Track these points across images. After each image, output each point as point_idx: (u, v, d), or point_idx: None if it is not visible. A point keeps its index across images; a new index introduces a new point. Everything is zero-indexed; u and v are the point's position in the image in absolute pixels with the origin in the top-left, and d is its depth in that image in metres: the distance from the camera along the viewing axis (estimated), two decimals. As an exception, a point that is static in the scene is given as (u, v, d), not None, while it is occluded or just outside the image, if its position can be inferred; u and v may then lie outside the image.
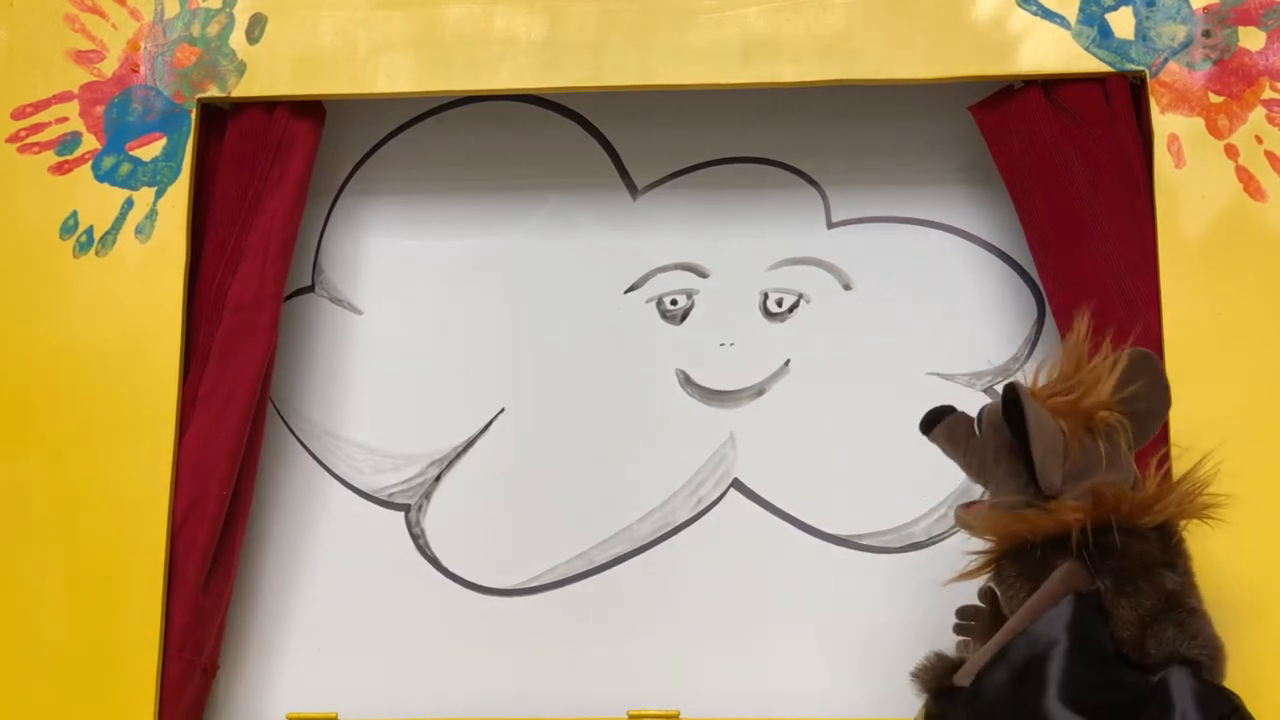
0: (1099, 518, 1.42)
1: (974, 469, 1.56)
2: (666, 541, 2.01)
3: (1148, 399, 1.54)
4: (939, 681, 1.48)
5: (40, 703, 1.81)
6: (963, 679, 1.44)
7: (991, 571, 1.51)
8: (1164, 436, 1.71)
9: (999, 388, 1.93)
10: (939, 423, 1.59)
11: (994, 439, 1.53)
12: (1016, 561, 1.46)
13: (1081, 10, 1.86)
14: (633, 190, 2.12)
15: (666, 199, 2.11)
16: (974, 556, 1.53)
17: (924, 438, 1.61)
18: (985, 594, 1.60)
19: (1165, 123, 1.82)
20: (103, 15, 1.99)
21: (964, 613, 1.61)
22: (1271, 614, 1.67)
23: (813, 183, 2.09)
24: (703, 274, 2.08)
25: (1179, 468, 1.57)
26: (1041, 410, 1.48)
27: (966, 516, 1.53)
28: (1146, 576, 1.41)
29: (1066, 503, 1.45)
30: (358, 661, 1.99)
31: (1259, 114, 1.81)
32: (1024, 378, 1.57)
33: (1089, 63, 1.85)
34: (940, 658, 1.51)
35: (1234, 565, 1.64)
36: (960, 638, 1.60)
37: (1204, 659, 1.39)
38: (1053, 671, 1.38)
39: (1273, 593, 1.68)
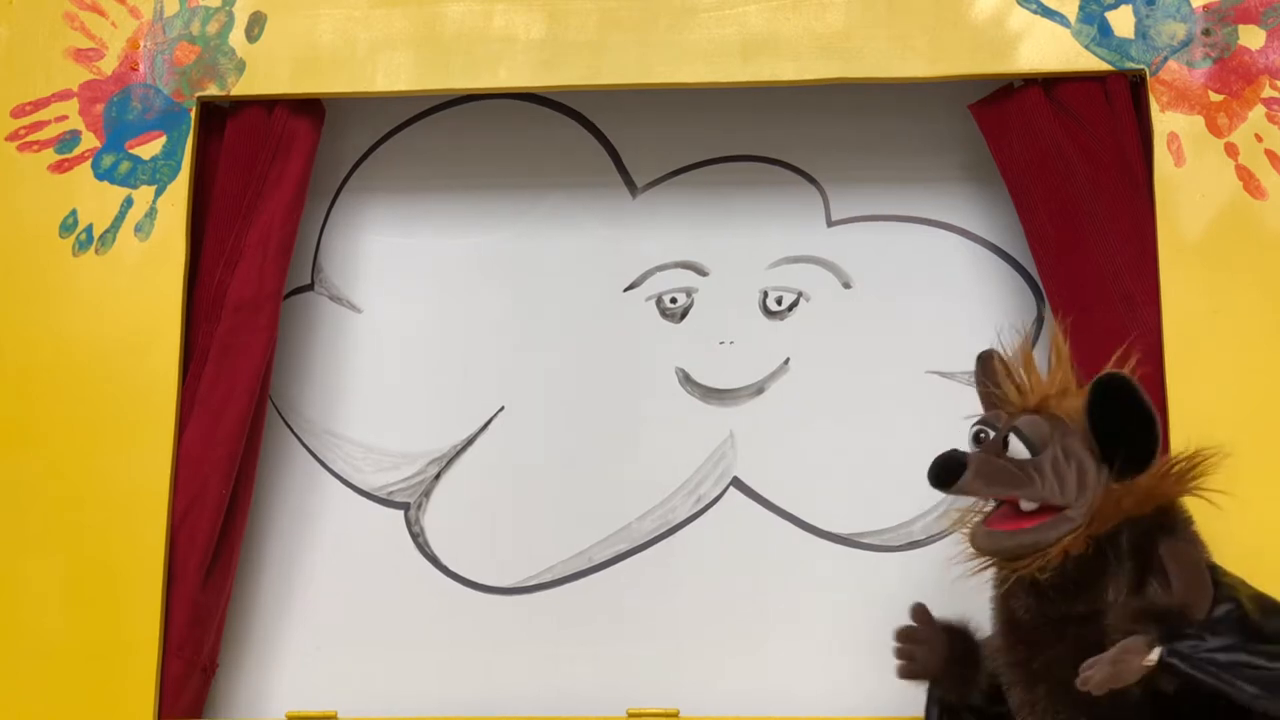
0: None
1: (1037, 491, 1.44)
2: (666, 540, 2.01)
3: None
4: (1169, 627, 1.36)
5: (40, 701, 1.81)
6: (1195, 613, 1.38)
7: (1089, 549, 1.44)
8: (1162, 424, 1.71)
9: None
10: (961, 469, 1.45)
11: (1068, 443, 1.44)
12: (1121, 535, 1.44)
13: (1081, 9, 1.86)
14: (632, 188, 2.12)
15: (666, 197, 2.11)
16: (974, 551, 1.50)
17: (946, 489, 1.48)
18: (918, 612, 1.56)
19: (1165, 121, 1.82)
20: (102, 14, 1.99)
21: (904, 635, 1.56)
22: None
23: (812, 181, 2.09)
24: (702, 272, 2.08)
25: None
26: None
27: (988, 536, 1.47)
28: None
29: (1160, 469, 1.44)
30: (357, 660, 1.99)
31: (1259, 112, 1.81)
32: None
33: (1089, 61, 1.85)
34: (1152, 604, 1.41)
35: (1234, 563, 1.63)
36: (901, 661, 1.55)
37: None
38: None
39: (1274, 590, 1.68)
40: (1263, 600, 1.43)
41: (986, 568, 1.51)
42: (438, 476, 2.05)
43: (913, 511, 1.95)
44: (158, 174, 1.94)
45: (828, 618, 1.94)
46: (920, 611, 1.56)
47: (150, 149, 1.95)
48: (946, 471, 1.46)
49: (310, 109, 1.98)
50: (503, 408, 2.06)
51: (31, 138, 1.96)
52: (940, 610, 1.62)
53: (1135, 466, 1.43)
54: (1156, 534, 1.44)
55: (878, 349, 2.02)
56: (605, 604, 1.99)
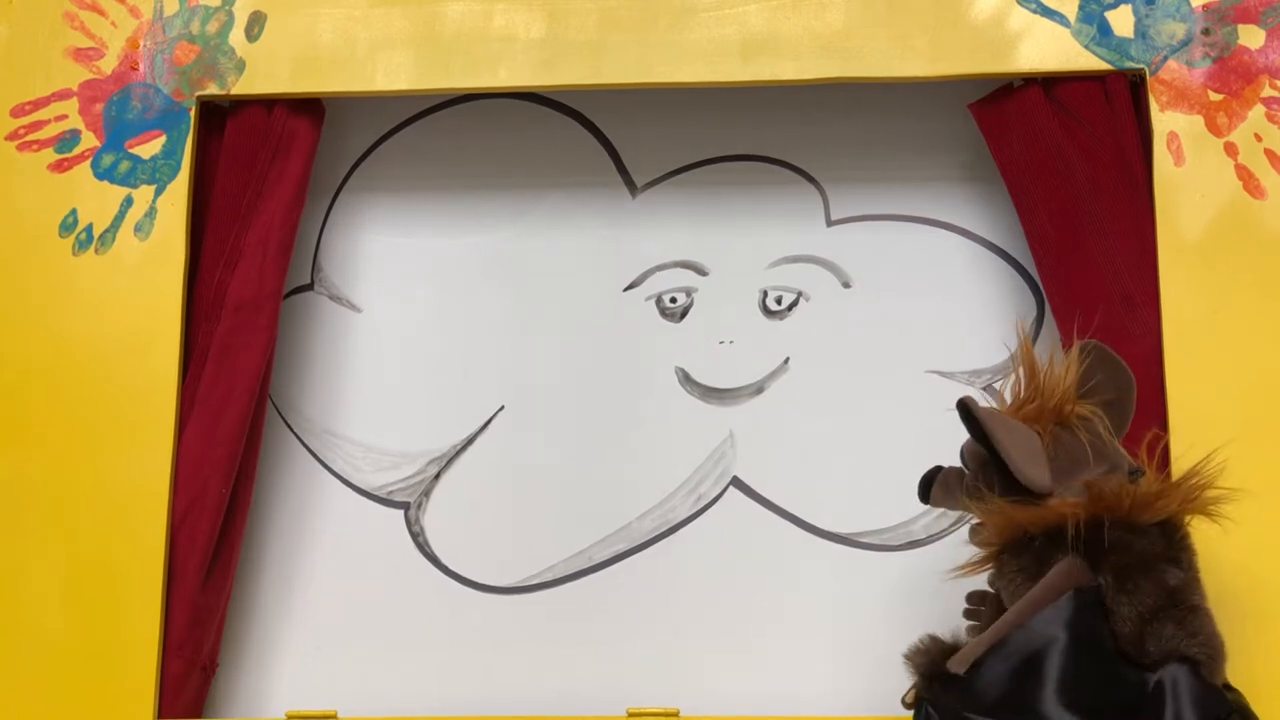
0: (1098, 513, 1.42)
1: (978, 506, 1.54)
2: (666, 539, 2.01)
3: (1113, 387, 1.54)
4: (932, 666, 1.47)
5: (40, 701, 1.81)
6: (956, 666, 1.44)
7: (993, 566, 1.50)
8: (1161, 424, 1.71)
9: (998, 385, 1.94)
10: (932, 485, 1.58)
11: (979, 466, 1.52)
12: (1017, 556, 1.46)
13: (1081, 8, 1.86)
14: (632, 188, 2.12)
15: (666, 197, 2.11)
16: (975, 551, 1.53)
17: (928, 494, 1.60)
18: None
19: (1165, 121, 1.82)
20: (102, 13, 1.99)
21: (973, 598, 1.61)
22: (1271, 611, 1.67)
23: (812, 180, 2.09)
24: (702, 272, 2.08)
25: (1180, 468, 1.57)
26: (1000, 414, 1.49)
27: (980, 531, 1.52)
28: (1147, 573, 1.41)
29: (1066, 498, 1.44)
30: (357, 660, 1.99)
31: (1258, 112, 1.81)
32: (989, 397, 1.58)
33: (1088, 61, 1.85)
34: (935, 640, 1.50)
35: (1233, 564, 1.64)
36: (970, 622, 1.60)
37: (1203, 657, 1.39)
38: (1050, 669, 1.38)
39: (1273, 590, 1.68)
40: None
41: (980, 560, 1.52)
42: (438, 476, 2.05)
43: (913, 511, 1.94)
44: (157, 173, 1.94)
45: (828, 617, 1.94)
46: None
47: (150, 148, 1.95)
48: (921, 486, 1.59)
49: (310, 108, 1.98)
50: (503, 407, 2.06)
51: (31, 137, 1.96)
52: (941, 609, 1.62)
53: (1008, 481, 1.47)
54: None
55: (878, 349, 2.01)
56: (605, 604, 1.99)
